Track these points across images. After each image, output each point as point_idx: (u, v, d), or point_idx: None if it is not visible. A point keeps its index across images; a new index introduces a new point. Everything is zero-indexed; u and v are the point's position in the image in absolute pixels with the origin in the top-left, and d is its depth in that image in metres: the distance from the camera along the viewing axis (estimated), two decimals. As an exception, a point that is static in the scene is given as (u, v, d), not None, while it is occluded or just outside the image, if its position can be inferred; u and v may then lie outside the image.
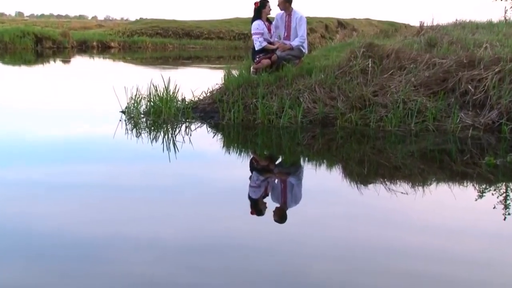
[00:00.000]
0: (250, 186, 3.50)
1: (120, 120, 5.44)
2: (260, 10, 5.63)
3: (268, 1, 5.68)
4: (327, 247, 2.44)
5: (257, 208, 3.05)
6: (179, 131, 5.09)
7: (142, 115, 5.67)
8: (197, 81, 6.99)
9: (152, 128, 5.31)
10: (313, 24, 22.85)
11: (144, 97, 5.79)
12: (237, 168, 3.90)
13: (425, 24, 7.45)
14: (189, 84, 6.15)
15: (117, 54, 18.91)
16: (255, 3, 5.66)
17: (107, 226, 2.64)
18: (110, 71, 12.84)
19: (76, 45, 20.03)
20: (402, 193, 3.24)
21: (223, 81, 5.82)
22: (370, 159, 4.21)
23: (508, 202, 3.19)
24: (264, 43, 5.64)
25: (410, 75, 5.35)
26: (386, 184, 3.45)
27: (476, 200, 3.20)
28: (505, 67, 5.07)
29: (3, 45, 17.57)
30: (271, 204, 3.05)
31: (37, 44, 18.71)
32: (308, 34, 6.45)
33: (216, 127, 5.32)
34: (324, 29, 24.70)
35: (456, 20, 8.64)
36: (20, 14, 54.59)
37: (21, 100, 7.06)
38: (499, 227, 2.77)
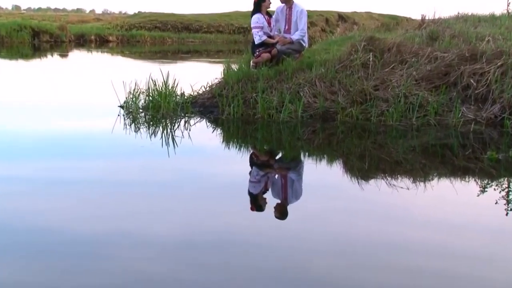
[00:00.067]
0: (250, 181, 3.47)
1: (118, 115, 5.41)
2: (260, 3, 5.57)
3: (267, -6, 5.62)
4: (327, 243, 2.43)
5: (257, 203, 3.03)
6: (178, 126, 5.05)
7: (140, 110, 5.63)
8: (196, 76, 6.94)
9: (151, 123, 5.27)
10: (313, 17, 22.72)
11: (143, 92, 5.76)
12: (236, 163, 3.87)
13: (426, 18, 7.40)
14: (188, 79, 6.11)
15: (115, 48, 18.80)
16: (255, -4, 5.60)
17: (105, 222, 2.62)
18: (108, 66, 12.76)
19: (74, 39, 19.90)
20: (403, 188, 3.22)
21: (222, 76, 5.78)
22: (371, 154, 4.19)
23: (510, 197, 3.17)
24: (264, 37, 5.59)
25: (411, 69, 5.30)
26: (387, 179, 3.43)
27: (478, 195, 3.17)
28: (507, 60, 5.03)
29: (-1, 39, 17.47)
30: (271, 200, 3.03)
31: (34, 38, 18.58)
32: (308, 27, 6.38)
33: (216, 122, 5.28)
34: (324, 22, 24.57)
35: (458, 13, 8.58)
36: (17, 7, 54.22)
37: (18, 95, 7.01)
38: (501, 222, 2.75)
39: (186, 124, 5.11)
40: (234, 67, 5.82)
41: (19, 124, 5.04)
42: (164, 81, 5.63)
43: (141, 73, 6.20)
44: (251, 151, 4.43)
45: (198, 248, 2.34)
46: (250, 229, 2.60)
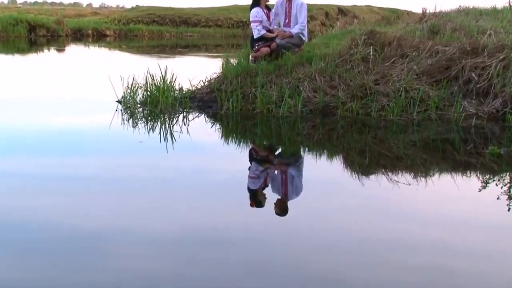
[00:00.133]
0: (249, 177, 3.44)
1: (116, 110, 5.36)
2: (259, -3, 5.50)
3: (266, -12, 5.54)
4: (327, 239, 2.41)
5: (256, 199, 3.00)
6: (176, 121, 5.01)
7: (138, 105, 5.59)
8: (194, 70, 6.88)
9: (149, 118, 5.23)
10: (313, 11, 22.57)
11: (141, 87, 5.71)
12: (235, 158, 3.83)
13: (427, 11, 7.37)
14: (187, 73, 6.06)
15: (112, 42, 18.67)
16: (254, -10, 5.52)
17: (103, 218, 2.60)
18: (105, 60, 12.67)
19: (71, 33, 19.74)
20: (404, 183, 3.19)
21: (221, 70, 5.74)
22: (372, 149, 4.15)
23: (512, 192, 3.14)
24: (263, 31, 5.53)
25: (412, 63, 5.26)
26: (388, 175, 3.40)
27: (479, 190, 3.15)
28: (509, 54, 4.99)
29: (-5, 34, 17.31)
30: (271, 196, 3.00)
31: (31, 32, 18.43)
32: (308, 21, 6.32)
33: (214, 117, 5.24)
34: (324, 16, 24.42)
35: (460, 6, 8.52)
36: (13, 1, 53.78)
37: (14, 90, 6.95)
38: (502, 218, 2.73)
39: (185, 119, 5.07)
40: (233, 61, 5.78)
41: (16, 119, 4.99)
42: (162, 75, 5.58)
43: (139, 68, 6.15)
44: (250, 147, 4.39)
45: (197, 244, 2.32)
46: (250, 225, 2.58)
